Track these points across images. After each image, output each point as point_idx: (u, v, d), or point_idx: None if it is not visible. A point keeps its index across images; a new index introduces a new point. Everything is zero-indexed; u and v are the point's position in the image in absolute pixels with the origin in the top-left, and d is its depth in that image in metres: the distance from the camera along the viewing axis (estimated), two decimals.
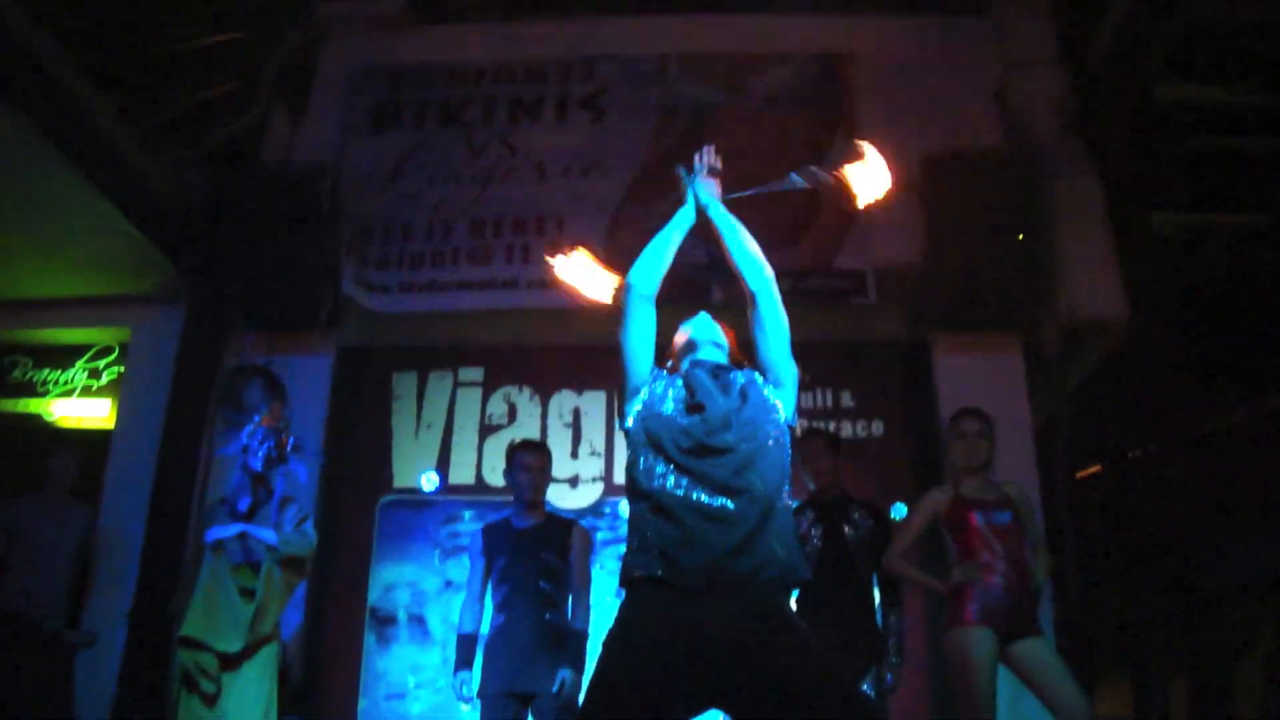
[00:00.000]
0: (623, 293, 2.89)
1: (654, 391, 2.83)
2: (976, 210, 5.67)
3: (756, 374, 2.88)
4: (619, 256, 5.60)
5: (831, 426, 5.90)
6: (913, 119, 5.95)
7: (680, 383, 2.85)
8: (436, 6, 6.56)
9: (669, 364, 2.99)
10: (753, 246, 2.91)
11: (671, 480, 2.68)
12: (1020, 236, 5.73)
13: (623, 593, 2.70)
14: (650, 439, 2.74)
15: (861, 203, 3.13)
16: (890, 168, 3.14)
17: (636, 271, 2.89)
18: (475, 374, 6.28)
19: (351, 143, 6.28)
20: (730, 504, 2.62)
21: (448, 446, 6.18)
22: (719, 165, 3.03)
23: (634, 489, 2.76)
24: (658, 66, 6.26)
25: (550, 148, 6.09)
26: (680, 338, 3.01)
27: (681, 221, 2.99)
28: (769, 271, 2.88)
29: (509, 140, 6.15)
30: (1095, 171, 6.08)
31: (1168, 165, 6.60)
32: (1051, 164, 5.98)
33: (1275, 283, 6.84)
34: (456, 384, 6.29)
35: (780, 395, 2.83)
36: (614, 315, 2.90)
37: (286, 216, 5.86)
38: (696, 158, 3.04)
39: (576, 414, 6.20)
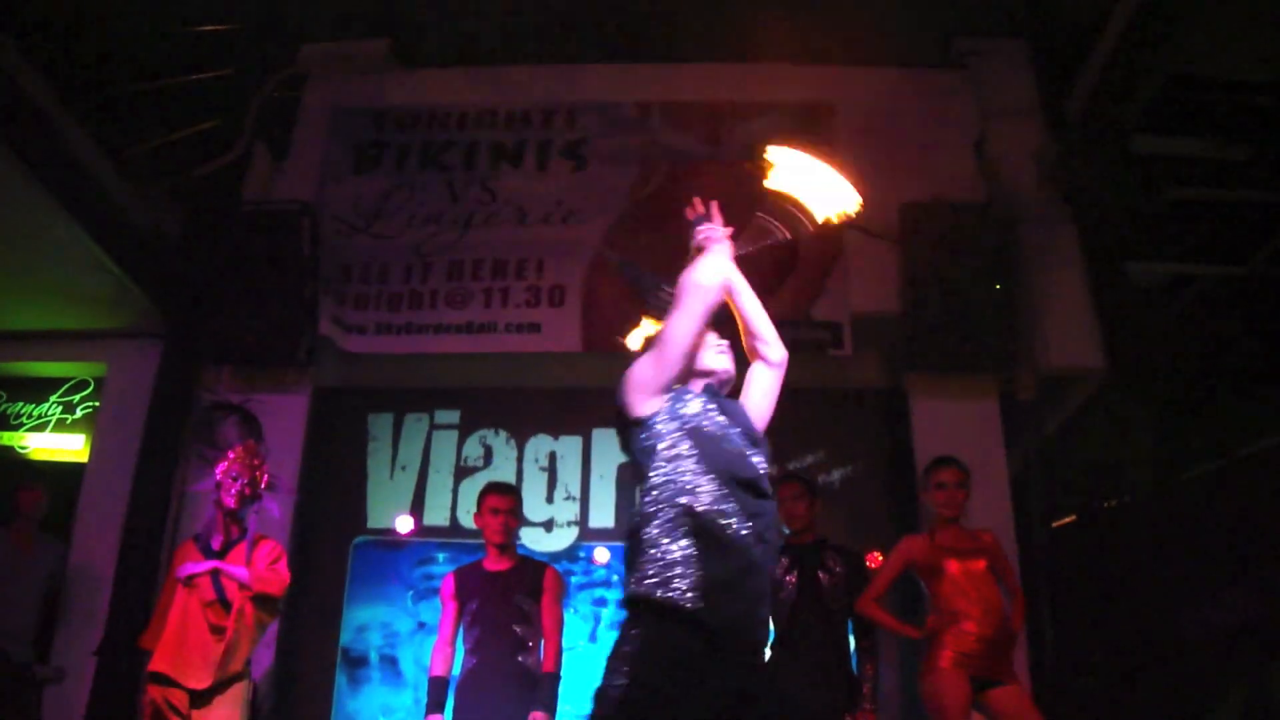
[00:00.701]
0: (721, 291, 2.89)
1: (684, 399, 2.80)
2: (954, 258, 5.90)
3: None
4: (597, 303, 5.86)
5: (807, 471, 6.06)
6: (892, 169, 6.14)
7: (715, 406, 2.83)
8: (420, 50, 6.75)
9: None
10: (768, 317, 3.12)
11: (731, 509, 2.62)
12: (998, 285, 5.93)
13: (628, 614, 2.60)
14: (704, 453, 2.68)
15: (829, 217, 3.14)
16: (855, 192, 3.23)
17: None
18: (451, 416, 6.44)
19: (332, 183, 6.45)
20: (756, 553, 2.62)
21: (423, 488, 6.32)
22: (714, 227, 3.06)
23: (681, 507, 2.63)
24: (639, 114, 6.48)
25: (531, 193, 6.27)
26: (715, 357, 2.98)
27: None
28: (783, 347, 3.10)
29: (490, 185, 6.33)
30: (1073, 221, 6.32)
31: (1146, 216, 6.81)
32: (1030, 213, 6.20)
33: (1250, 334, 7.04)
34: (433, 426, 6.44)
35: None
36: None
37: (265, 255, 6.04)
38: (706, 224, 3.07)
39: (552, 458, 6.34)
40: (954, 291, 5.85)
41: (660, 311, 2.96)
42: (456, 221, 6.25)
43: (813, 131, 6.22)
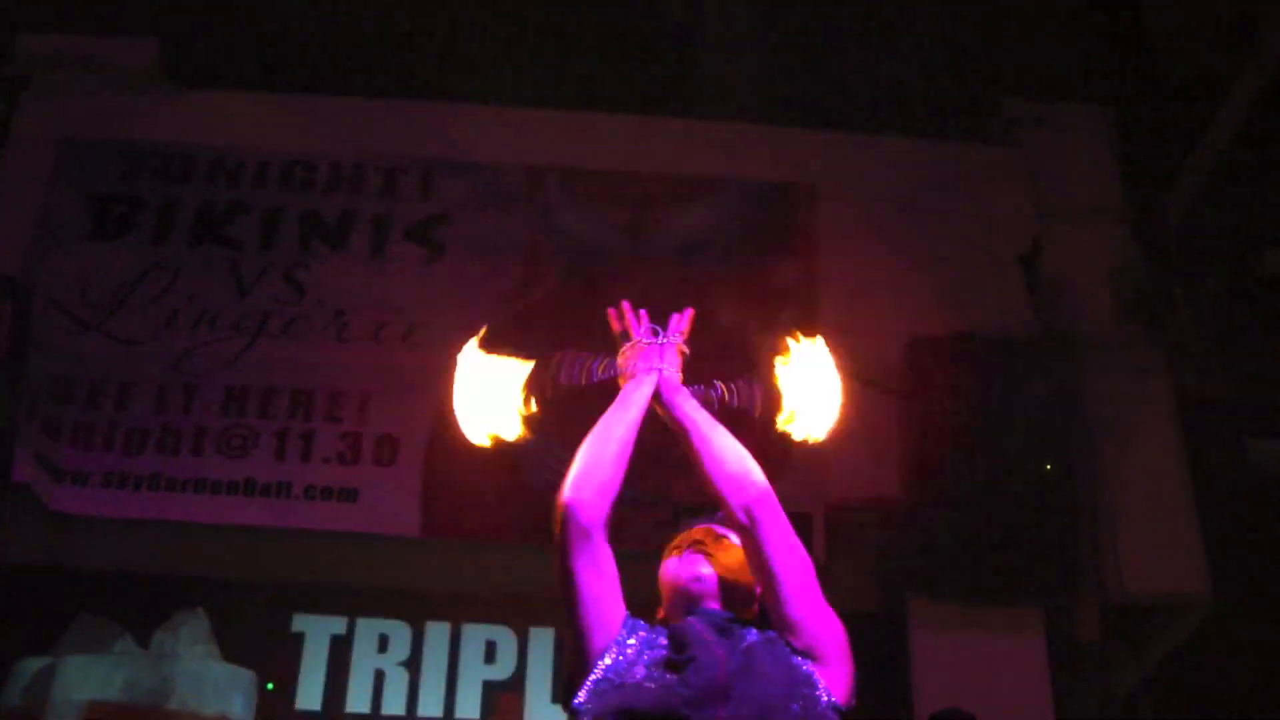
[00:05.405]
0: (559, 523, 3.16)
1: (624, 653, 3.11)
2: (986, 424, 6.49)
3: (776, 635, 3.14)
4: (445, 461, 6.32)
5: None
6: (897, 286, 6.88)
7: (663, 640, 3.12)
8: (203, 61, 7.34)
9: (659, 616, 3.30)
10: (739, 451, 3.25)
11: None
12: (1048, 466, 6.51)
13: None
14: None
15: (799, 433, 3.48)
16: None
17: (575, 487, 3.17)
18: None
19: (53, 251, 6.94)
20: None
21: None
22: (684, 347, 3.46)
23: None
24: (528, 182, 7.13)
25: (358, 292, 6.84)
26: (673, 576, 3.30)
27: (639, 400, 3.33)
28: (764, 485, 3.21)
29: (295, 275, 6.91)
30: (1168, 375, 6.98)
31: (1276, 371, 7.40)
32: (1102, 360, 6.86)
33: None
34: None
35: (819, 667, 3.08)
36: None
37: None
38: (675, 321, 3.46)
39: (379, 679, 6.67)
40: (983, 474, 6.41)
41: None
42: (241, 326, 6.77)
43: (781, 224, 6.93)
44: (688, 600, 3.21)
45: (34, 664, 6.03)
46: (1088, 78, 7.29)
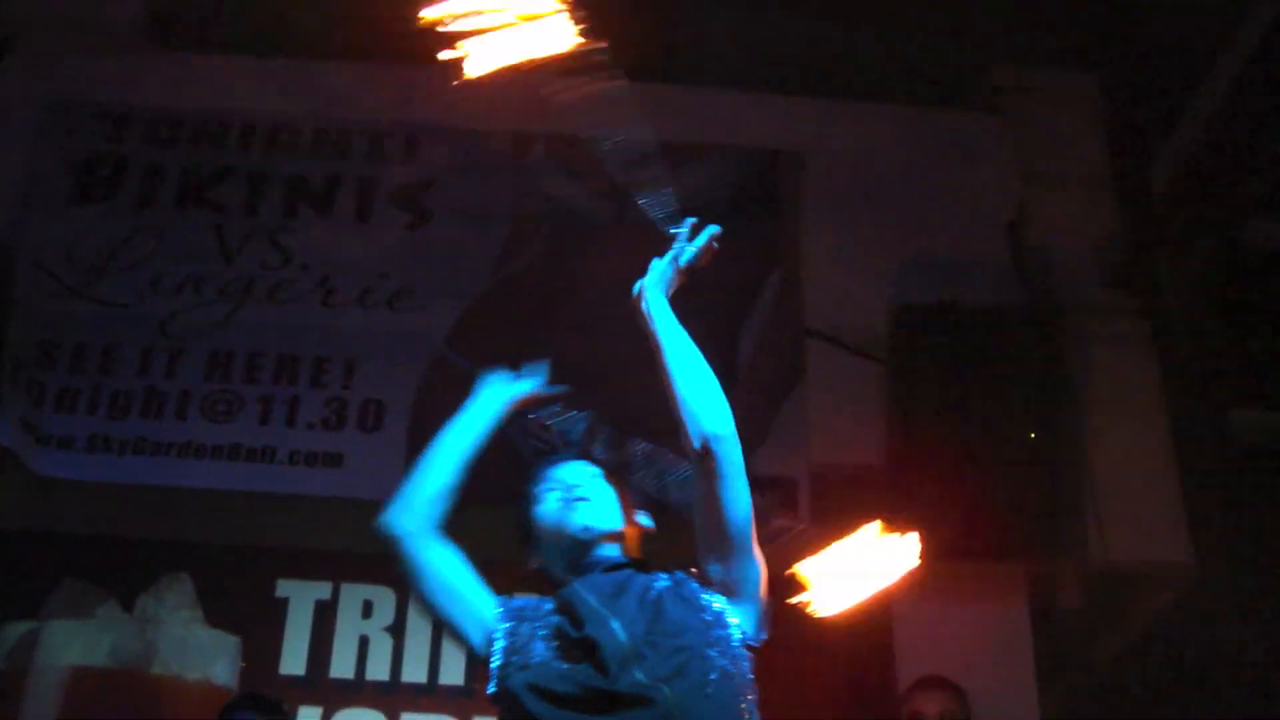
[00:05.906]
0: (386, 543, 3.32)
1: (516, 635, 3.18)
2: (970, 390, 6.55)
3: (684, 575, 3.23)
4: (430, 426, 6.34)
5: None
6: (884, 252, 6.96)
7: (549, 608, 3.20)
8: (191, 25, 7.39)
9: (534, 562, 3.45)
10: (713, 386, 3.30)
11: None
12: (1032, 434, 6.55)
13: None
14: (513, 704, 3.01)
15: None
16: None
17: (386, 508, 3.35)
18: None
19: (38, 214, 6.96)
20: None
21: None
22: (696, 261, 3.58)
23: None
24: (515, 149, 7.18)
25: (343, 257, 6.86)
26: (549, 526, 3.40)
27: (479, 412, 3.53)
28: (730, 424, 3.23)
29: (281, 239, 6.93)
30: (1150, 345, 7.02)
31: (1259, 340, 7.43)
32: (1087, 328, 6.94)
33: None
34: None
35: (732, 603, 3.14)
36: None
37: None
38: (689, 234, 3.59)
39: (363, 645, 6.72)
40: (967, 438, 6.47)
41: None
42: (226, 291, 6.79)
43: (767, 191, 6.98)
44: (575, 550, 3.32)
45: (18, 629, 6.06)
46: (1074, 44, 7.32)
